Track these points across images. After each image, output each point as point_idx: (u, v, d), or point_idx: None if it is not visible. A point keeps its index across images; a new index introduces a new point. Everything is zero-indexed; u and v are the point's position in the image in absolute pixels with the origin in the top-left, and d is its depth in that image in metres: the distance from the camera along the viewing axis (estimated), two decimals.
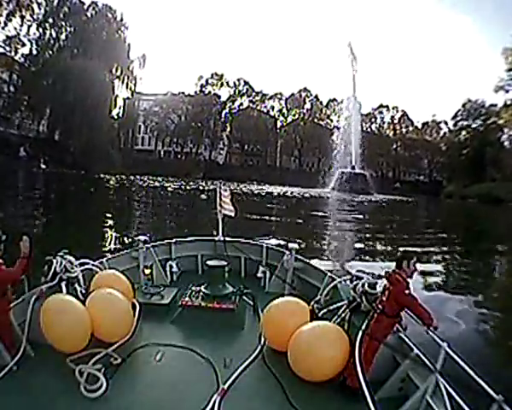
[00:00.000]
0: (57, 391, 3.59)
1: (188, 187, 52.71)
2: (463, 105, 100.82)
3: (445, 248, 18.07)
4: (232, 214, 7.42)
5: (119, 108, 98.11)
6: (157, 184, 54.78)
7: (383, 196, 70.30)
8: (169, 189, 46.53)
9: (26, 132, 79.45)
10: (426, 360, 3.51)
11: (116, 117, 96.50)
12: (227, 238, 7.46)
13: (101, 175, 60.91)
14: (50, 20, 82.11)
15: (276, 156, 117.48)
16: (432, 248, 17.40)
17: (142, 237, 6.67)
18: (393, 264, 3.78)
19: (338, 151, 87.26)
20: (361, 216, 32.01)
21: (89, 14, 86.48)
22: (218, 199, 7.49)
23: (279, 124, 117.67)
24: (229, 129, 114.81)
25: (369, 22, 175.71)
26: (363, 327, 3.77)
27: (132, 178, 65.06)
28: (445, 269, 13.96)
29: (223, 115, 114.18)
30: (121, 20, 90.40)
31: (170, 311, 5.34)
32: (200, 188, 51.42)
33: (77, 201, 28.22)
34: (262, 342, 4.55)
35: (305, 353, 3.87)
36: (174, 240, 7.38)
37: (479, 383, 2.85)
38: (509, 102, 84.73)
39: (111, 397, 3.52)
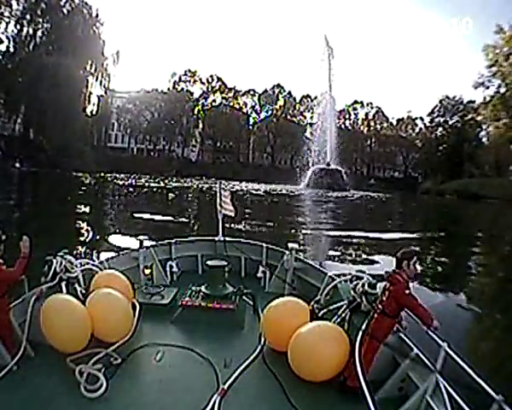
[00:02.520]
0: (57, 391, 3.60)
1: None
2: (440, 101, 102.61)
3: (432, 245, 18.30)
4: (232, 214, 7.46)
5: (93, 105, 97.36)
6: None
7: (359, 192, 70.33)
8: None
9: (1, 131, 78.12)
10: (426, 359, 3.55)
11: (90, 114, 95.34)
12: (227, 238, 7.49)
13: (76, 173, 60.05)
14: (28, 17, 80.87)
15: (249, 153, 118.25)
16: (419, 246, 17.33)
17: (142, 237, 6.70)
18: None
19: (312, 147, 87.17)
20: (338, 214, 32.03)
21: (65, 11, 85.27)
22: (218, 199, 7.51)
23: (252, 120, 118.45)
24: (201, 126, 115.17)
25: (343, 18, 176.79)
26: (363, 327, 3.81)
27: (108, 176, 64.25)
28: (439, 267, 14.03)
29: (195, 112, 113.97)
30: (97, 16, 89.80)
31: (170, 311, 5.35)
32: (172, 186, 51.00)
33: (55, 202, 27.66)
34: (262, 342, 4.58)
35: (305, 353, 3.90)
36: (174, 240, 7.39)
37: (479, 383, 2.89)
38: (488, 99, 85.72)
39: (111, 397, 3.54)
